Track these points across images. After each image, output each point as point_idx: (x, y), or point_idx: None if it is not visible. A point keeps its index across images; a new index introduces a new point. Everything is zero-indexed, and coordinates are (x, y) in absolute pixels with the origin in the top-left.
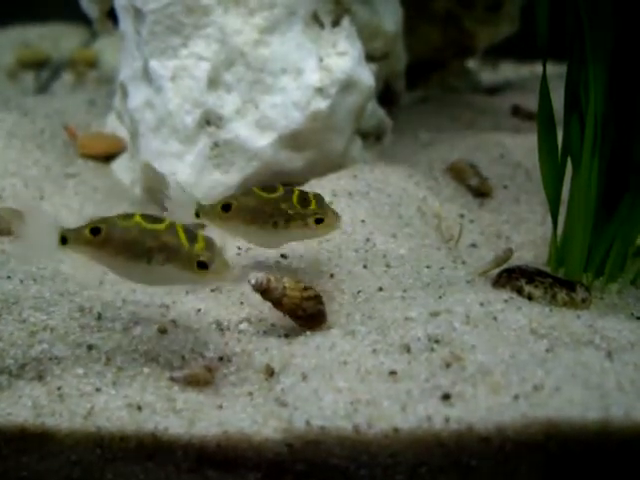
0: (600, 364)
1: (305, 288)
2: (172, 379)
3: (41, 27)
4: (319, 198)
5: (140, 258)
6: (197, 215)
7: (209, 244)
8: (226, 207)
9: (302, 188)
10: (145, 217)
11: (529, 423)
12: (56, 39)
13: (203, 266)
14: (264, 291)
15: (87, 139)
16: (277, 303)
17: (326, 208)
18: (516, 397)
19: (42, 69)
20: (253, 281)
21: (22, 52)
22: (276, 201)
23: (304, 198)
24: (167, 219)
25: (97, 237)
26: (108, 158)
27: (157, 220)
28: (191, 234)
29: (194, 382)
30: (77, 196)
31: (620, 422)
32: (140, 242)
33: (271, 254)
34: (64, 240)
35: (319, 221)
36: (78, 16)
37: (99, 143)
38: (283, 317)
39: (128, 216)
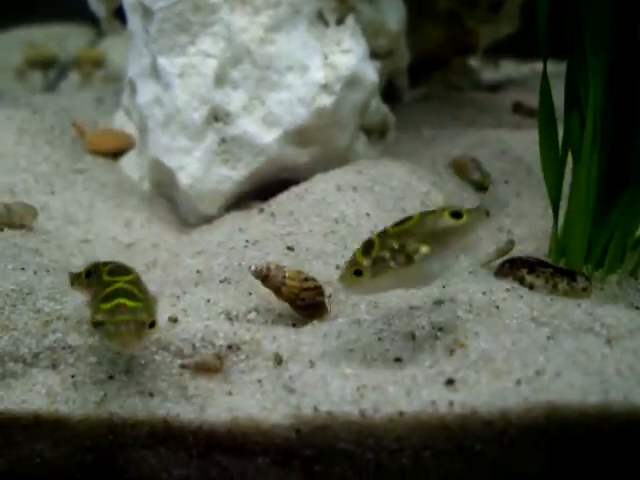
0: (600, 351)
1: (306, 279)
2: (183, 366)
3: (47, 27)
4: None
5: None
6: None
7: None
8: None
9: None
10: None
11: (531, 407)
12: (62, 39)
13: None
14: (264, 278)
15: (95, 136)
16: (276, 291)
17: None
18: (518, 382)
19: (49, 68)
20: (253, 268)
21: (29, 52)
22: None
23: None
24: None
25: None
26: (116, 154)
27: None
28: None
29: (204, 369)
30: (86, 191)
31: (619, 406)
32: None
33: (278, 246)
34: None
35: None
36: (83, 16)
37: (107, 140)
38: (290, 307)
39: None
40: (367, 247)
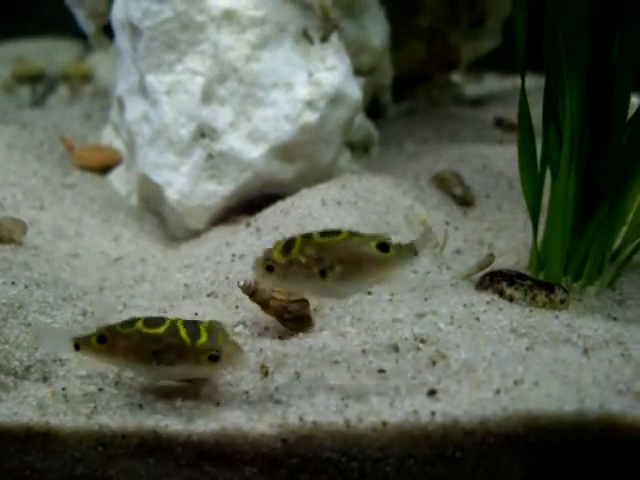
0: (577, 361)
1: (292, 293)
2: None
3: (35, 42)
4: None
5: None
6: (76, 347)
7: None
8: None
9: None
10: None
11: (510, 416)
12: (50, 54)
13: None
14: (252, 293)
15: (84, 151)
16: (265, 305)
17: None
18: (498, 392)
19: (38, 83)
20: (242, 283)
21: (17, 66)
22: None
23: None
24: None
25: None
26: (104, 170)
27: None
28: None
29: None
30: (75, 206)
31: (595, 415)
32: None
33: None
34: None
35: (214, 358)
36: (70, 32)
37: (96, 155)
38: (276, 320)
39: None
40: (287, 246)
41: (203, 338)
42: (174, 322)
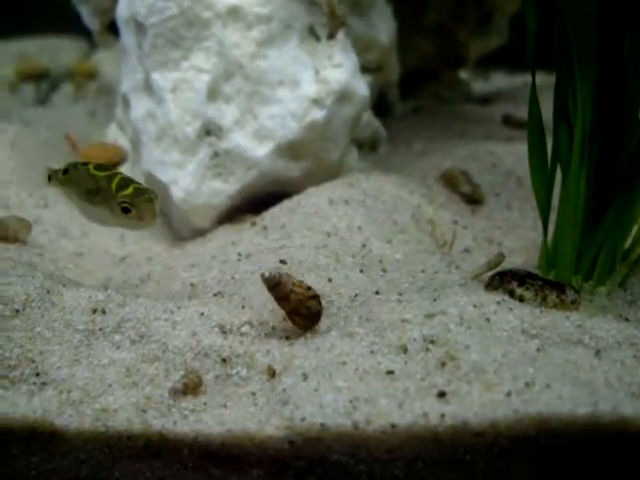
0: (589, 362)
1: (308, 288)
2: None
3: (39, 40)
4: (141, 190)
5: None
6: (49, 179)
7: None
8: (65, 171)
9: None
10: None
11: (521, 418)
12: (54, 52)
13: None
14: (275, 284)
15: (89, 149)
16: (284, 298)
17: (141, 201)
18: (508, 394)
19: (42, 81)
20: (267, 274)
21: (22, 64)
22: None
23: (123, 184)
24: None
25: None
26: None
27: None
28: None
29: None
30: None
31: (608, 417)
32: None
33: (270, 259)
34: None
35: (126, 210)
36: (75, 29)
37: (101, 153)
38: (283, 320)
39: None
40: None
41: (126, 192)
42: (117, 174)
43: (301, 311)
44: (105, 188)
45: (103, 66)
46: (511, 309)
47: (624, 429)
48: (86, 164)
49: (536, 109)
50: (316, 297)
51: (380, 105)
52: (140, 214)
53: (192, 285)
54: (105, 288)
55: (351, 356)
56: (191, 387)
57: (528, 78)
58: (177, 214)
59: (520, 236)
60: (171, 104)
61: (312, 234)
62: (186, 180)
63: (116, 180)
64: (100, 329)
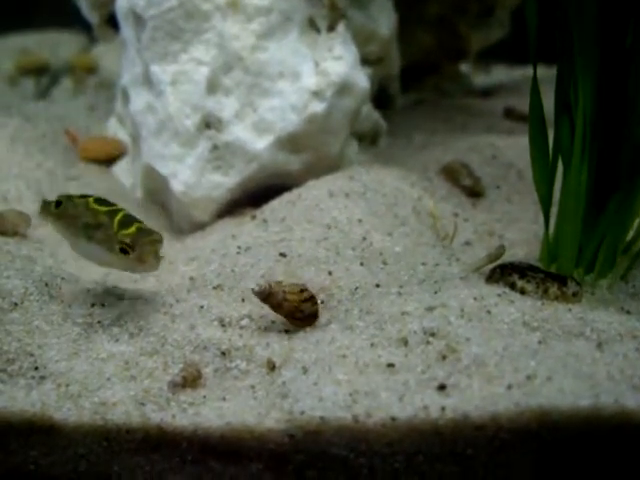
0: (591, 355)
1: (301, 290)
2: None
3: (39, 34)
4: (144, 230)
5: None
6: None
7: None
8: (57, 204)
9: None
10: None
11: (522, 411)
12: (54, 46)
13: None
14: (267, 296)
15: (89, 143)
16: (278, 307)
17: (145, 243)
18: (509, 387)
19: (42, 75)
20: (257, 289)
21: (21, 59)
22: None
23: (127, 221)
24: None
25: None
26: (109, 161)
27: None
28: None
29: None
30: None
31: (610, 410)
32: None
33: (270, 252)
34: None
35: (125, 251)
36: (75, 23)
37: (100, 147)
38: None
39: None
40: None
41: (129, 230)
42: (120, 210)
43: (296, 315)
44: (106, 224)
45: (103, 60)
46: (512, 302)
47: (626, 422)
48: (85, 196)
49: (537, 99)
50: (310, 299)
51: (381, 98)
52: (142, 257)
53: (191, 278)
54: (104, 282)
55: (351, 349)
56: (190, 380)
57: (529, 71)
58: (177, 207)
59: (521, 229)
60: (170, 97)
61: (312, 227)
62: (186, 173)
63: (119, 217)
64: (99, 322)
